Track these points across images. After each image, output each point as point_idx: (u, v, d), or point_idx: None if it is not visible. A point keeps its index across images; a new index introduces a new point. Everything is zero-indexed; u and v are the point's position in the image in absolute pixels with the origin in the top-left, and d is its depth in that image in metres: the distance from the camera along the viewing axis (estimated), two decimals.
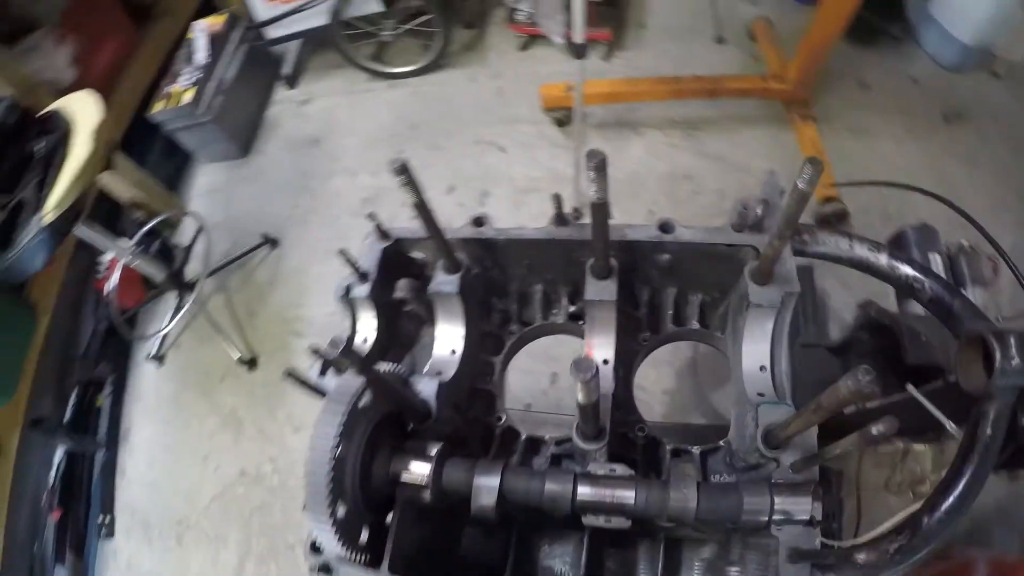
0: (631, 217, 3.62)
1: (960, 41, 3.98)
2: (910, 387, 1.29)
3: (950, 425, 1.20)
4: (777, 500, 1.09)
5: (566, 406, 1.34)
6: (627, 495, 1.11)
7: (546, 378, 3.35)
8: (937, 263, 1.98)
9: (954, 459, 1.17)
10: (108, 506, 3.80)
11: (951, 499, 1.14)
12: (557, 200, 1.41)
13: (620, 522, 1.13)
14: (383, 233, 1.53)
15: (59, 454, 3.90)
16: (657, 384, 3.29)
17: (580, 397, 1.01)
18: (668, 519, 1.11)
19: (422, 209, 1.25)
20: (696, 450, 1.40)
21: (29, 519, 3.81)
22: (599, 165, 1.03)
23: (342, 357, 1.01)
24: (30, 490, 3.85)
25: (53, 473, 3.86)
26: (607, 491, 1.12)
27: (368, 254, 1.54)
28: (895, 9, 4.14)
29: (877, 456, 1.70)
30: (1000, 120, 3.92)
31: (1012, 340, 1.05)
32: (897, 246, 2.08)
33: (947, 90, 4.07)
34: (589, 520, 1.15)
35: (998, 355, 1.05)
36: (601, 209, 1.16)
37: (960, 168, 3.73)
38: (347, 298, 1.49)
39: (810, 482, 1.12)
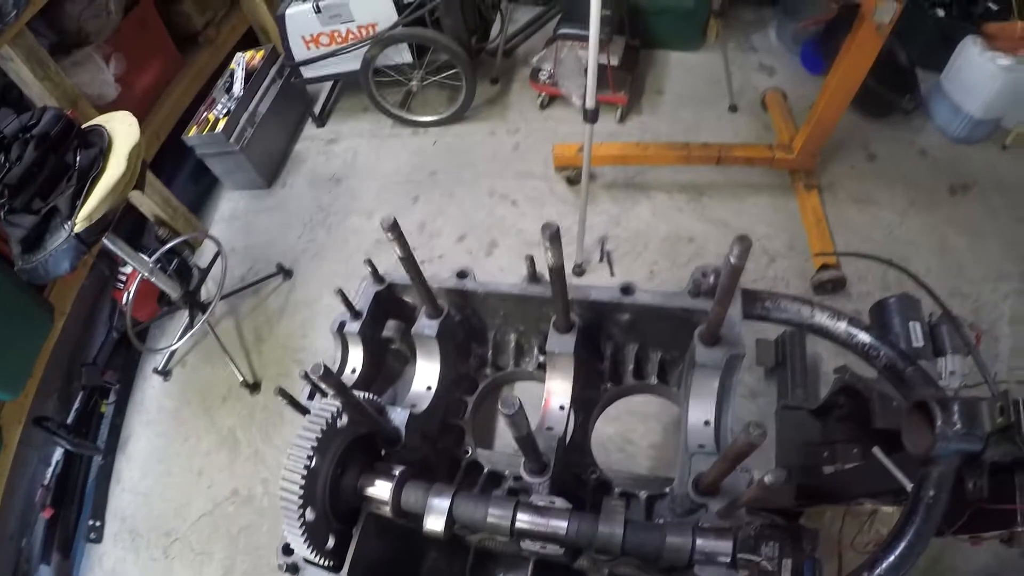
0: (631, 274, 3.74)
1: (970, 114, 4.04)
2: (876, 449, 1.36)
3: (909, 486, 1.26)
4: (699, 541, 1.20)
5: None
6: (560, 524, 1.23)
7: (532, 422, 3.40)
8: (917, 331, 2.06)
9: (897, 519, 1.24)
10: (100, 511, 3.87)
11: (891, 557, 1.21)
12: (530, 260, 1.54)
13: (554, 548, 1.25)
14: (378, 277, 1.67)
15: (57, 455, 4.02)
16: (644, 438, 3.31)
17: (511, 431, 1.13)
18: (597, 549, 1.22)
19: (408, 262, 1.39)
20: (643, 494, 1.51)
21: (20, 514, 3.91)
22: (553, 236, 1.16)
23: (324, 379, 1.14)
24: (25, 485, 3.95)
25: (50, 472, 3.96)
26: (543, 520, 1.24)
27: (363, 295, 1.68)
28: (906, 83, 4.18)
29: (857, 519, 1.78)
30: (1006, 191, 3.95)
31: (955, 407, 1.14)
32: (880, 314, 2.17)
33: (954, 162, 4.11)
34: (527, 545, 1.27)
35: (939, 421, 1.14)
36: (557, 272, 1.29)
37: (963, 238, 3.75)
38: (340, 332, 1.62)
39: (733, 528, 1.22)
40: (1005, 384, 1.66)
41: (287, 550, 1.36)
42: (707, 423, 1.43)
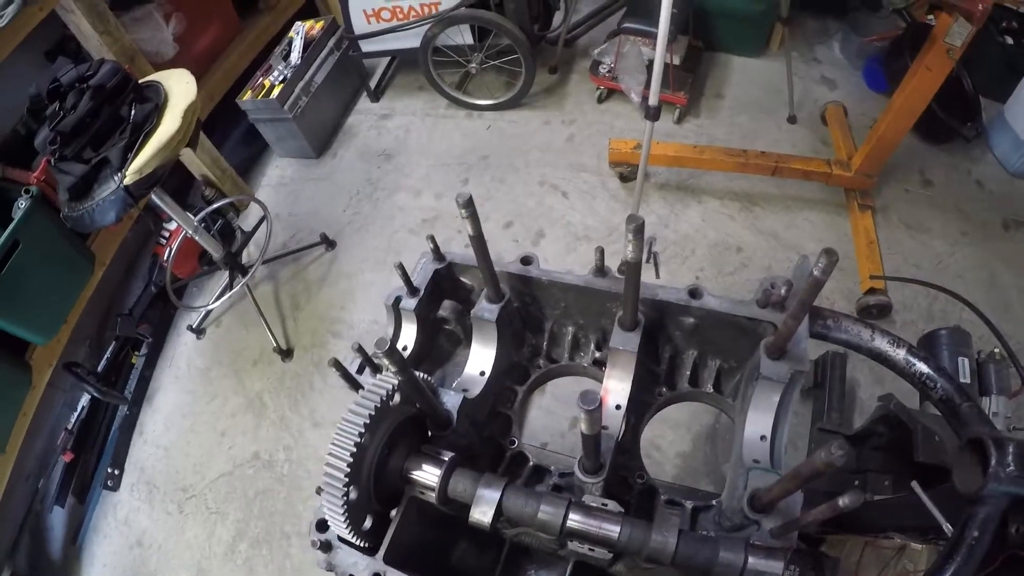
0: (677, 278, 3.68)
1: None
2: (914, 484, 1.29)
3: (947, 526, 1.20)
4: (751, 559, 1.16)
5: (580, 451, 1.42)
6: (613, 529, 1.19)
7: (567, 422, 3.38)
8: (965, 367, 2.01)
9: (936, 558, 1.18)
10: (120, 460, 3.91)
11: None
12: (600, 253, 1.50)
13: (602, 553, 1.22)
14: (439, 255, 1.64)
15: (84, 400, 4.07)
16: (672, 446, 3.29)
17: (583, 427, 1.09)
18: (647, 558, 1.19)
19: (479, 241, 1.36)
20: (688, 504, 1.47)
21: (41, 455, 3.97)
22: (637, 229, 1.12)
23: (388, 356, 1.11)
24: (49, 427, 4.02)
25: (74, 417, 4.01)
26: (595, 522, 1.20)
27: (421, 271, 1.65)
28: (969, 110, 4.10)
29: (878, 551, 1.74)
30: None
31: (1010, 448, 1.08)
32: (929, 344, 2.12)
33: (1011, 196, 4.02)
34: (574, 547, 1.23)
35: (994, 460, 1.08)
36: (635, 268, 1.25)
37: (1013, 277, 3.66)
38: (395, 307, 1.59)
39: (786, 548, 1.18)
40: None
41: (322, 527, 1.33)
42: (763, 438, 1.39)
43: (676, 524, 1.20)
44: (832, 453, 0.92)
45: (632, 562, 1.36)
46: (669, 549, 1.16)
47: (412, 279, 1.58)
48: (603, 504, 1.25)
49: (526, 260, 1.60)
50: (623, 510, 1.24)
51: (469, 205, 1.24)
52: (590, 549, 1.22)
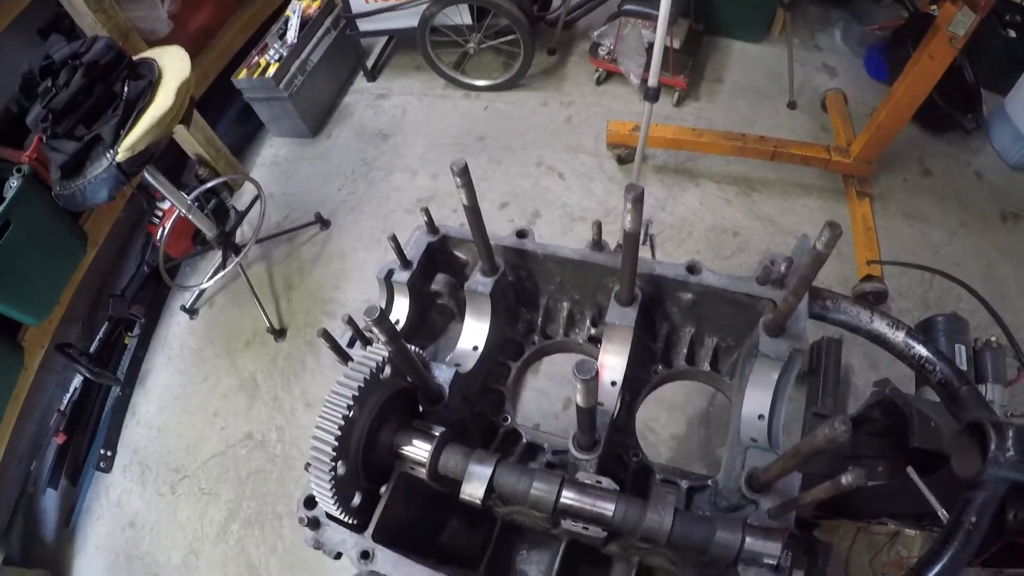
0: (673, 260, 3.65)
1: None
2: (910, 470, 1.29)
3: (942, 512, 1.20)
4: (748, 539, 1.13)
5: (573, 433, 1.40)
6: (607, 506, 1.17)
7: (560, 403, 3.37)
8: (961, 354, 2.00)
9: (934, 542, 1.18)
10: (112, 442, 3.89)
11: None
12: (597, 227, 1.47)
13: (596, 531, 1.19)
14: (433, 228, 1.61)
15: (76, 382, 4.02)
16: (667, 428, 3.28)
17: (579, 399, 1.06)
18: (642, 538, 1.16)
19: (473, 212, 1.33)
20: (684, 483, 1.45)
21: (33, 437, 3.93)
22: (636, 198, 1.09)
23: (378, 324, 1.07)
24: (41, 409, 3.98)
25: (67, 399, 3.97)
26: (589, 500, 1.18)
27: (415, 244, 1.62)
28: (970, 101, 4.07)
29: (870, 537, 1.72)
30: None
31: (1010, 432, 1.07)
32: (926, 330, 2.10)
33: (1009, 188, 4.01)
34: (568, 525, 1.21)
35: (993, 445, 1.07)
36: (632, 239, 1.23)
37: (1010, 268, 3.66)
38: (387, 280, 1.56)
39: (783, 529, 1.16)
40: None
41: (310, 503, 1.30)
42: (761, 417, 1.37)
43: (672, 503, 1.18)
44: (835, 429, 0.90)
45: (626, 542, 1.34)
46: (665, 528, 1.14)
47: (405, 252, 1.55)
48: (597, 481, 1.22)
49: (521, 233, 1.57)
50: (618, 488, 1.22)
51: (464, 173, 1.21)
52: (584, 528, 1.20)
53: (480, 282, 1.51)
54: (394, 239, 1.49)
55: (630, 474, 1.48)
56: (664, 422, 3.29)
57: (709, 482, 1.43)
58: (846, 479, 0.91)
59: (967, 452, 1.16)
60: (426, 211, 1.54)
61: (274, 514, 3.42)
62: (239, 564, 3.33)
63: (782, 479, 1.18)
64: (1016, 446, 1.07)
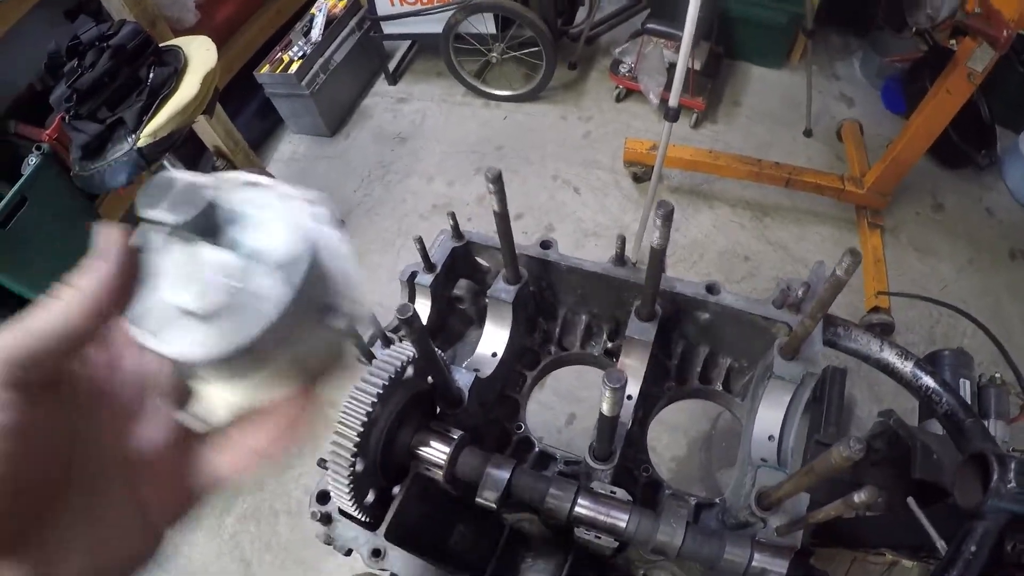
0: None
1: None
2: (910, 500, 1.30)
3: (941, 544, 1.21)
4: (757, 556, 1.15)
5: (576, 447, 1.41)
6: (621, 517, 1.18)
7: (564, 417, 3.38)
8: (965, 388, 2.01)
9: (934, 570, 1.19)
10: None
11: None
12: (621, 241, 1.49)
13: (608, 541, 1.21)
14: (458, 233, 1.63)
15: None
16: (668, 449, 3.29)
17: (604, 407, 1.07)
18: (654, 549, 1.18)
19: (503, 219, 1.35)
20: (692, 500, 1.46)
21: None
22: (667, 215, 1.11)
23: (408, 323, 1.09)
24: None
25: None
26: (604, 509, 1.20)
27: (439, 248, 1.64)
28: (984, 138, 4.12)
29: (866, 567, 1.73)
30: None
31: (1013, 464, 1.09)
32: (931, 364, 2.12)
33: (1019, 226, 4.03)
34: (580, 533, 1.22)
35: (995, 475, 1.09)
36: (658, 255, 1.25)
37: (1018, 306, 3.67)
38: (411, 282, 1.58)
39: (791, 547, 1.17)
40: None
41: (323, 498, 1.31)
42: (771, 437, 1.39)
43: (684, 516, 1.19)
44: (851, 447, 0.91)
45: (635, 553, 1.36)
46: (676, 541, 1.16)
47: (430, 255, 1.57)
48: (612, 492, 1.24)
49: (545, 244, 1.59)
50: (631, 499, 1.24)
51: (498, 181, 1.23)
52: (596, 536, 1.21)
53: (503, 289, 1.53)
54: (420, 241, 1.51)
55: (640, 488, 1.50)
56: (666, 443, 3.30)
57: (717, 500, 1.45)
58: (858, 497, 0.93)
59: (969, 482, 1.18)
60: (452, 215, 1.56)
61: (271, 511, 3.42)
62: (232, 558, 3.32)
63: (791, 498, 1.19)
64: (1018, 478, 1.09)
